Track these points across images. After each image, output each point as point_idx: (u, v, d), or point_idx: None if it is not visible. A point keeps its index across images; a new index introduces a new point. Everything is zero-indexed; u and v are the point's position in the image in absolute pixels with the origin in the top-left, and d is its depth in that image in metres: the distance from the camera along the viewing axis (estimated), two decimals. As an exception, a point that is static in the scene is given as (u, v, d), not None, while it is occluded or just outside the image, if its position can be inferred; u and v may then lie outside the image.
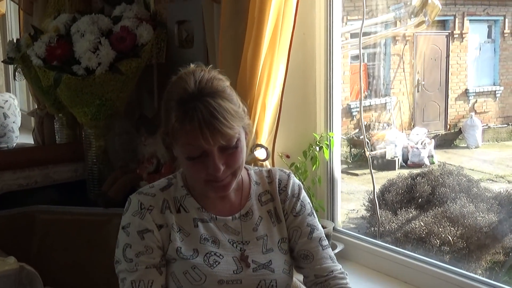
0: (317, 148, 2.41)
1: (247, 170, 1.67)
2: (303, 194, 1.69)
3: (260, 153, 2.12)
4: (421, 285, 2.11)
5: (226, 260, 1.53)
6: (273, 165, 2.20)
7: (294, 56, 2.15)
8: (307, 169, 2.40)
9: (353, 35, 6.91)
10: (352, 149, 9.87)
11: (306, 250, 1.62)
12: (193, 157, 1.45)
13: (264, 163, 2.13)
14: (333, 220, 2.48)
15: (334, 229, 2.43)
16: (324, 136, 2.43)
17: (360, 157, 9.80)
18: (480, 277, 2.01)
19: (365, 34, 7.41)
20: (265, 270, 1.55)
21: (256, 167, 1.77)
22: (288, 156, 2.39)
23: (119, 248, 1.53)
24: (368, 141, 9.67)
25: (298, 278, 1.70)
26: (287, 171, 1.71)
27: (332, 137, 2.43)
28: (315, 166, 2.41)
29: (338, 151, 2.50)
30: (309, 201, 1.71)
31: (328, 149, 2.42)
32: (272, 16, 2.00)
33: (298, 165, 2.37)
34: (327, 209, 2.48)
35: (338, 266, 1.64)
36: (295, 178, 1.70)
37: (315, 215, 1.69)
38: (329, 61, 2.41)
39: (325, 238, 1.67)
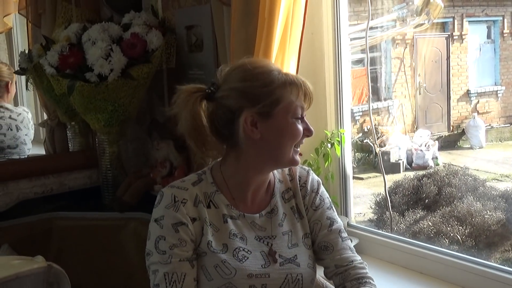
0: (329, 145, 2.46)
1: None
2: (322, 189, 1.75)
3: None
4: (436, 274, 2.14)
5: (254, 255, 1.57)
6: (286, 162, 2.23)
7: (303, 56, 2.18)
8: (319, 166, 2.44)
9: (353, 39, 6.94)
10: (356, 153, 9.89)
11: (326, 242, 1.67)
12: (298, 117, 1.58)
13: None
14: (346, 215, 2.51)
15: (348, 224, 2.47)
16: (335, 133, 2.47)
17: (364, 161, 9.82)
18: (495, 264, 2.03)
19: (362, 37, 7.45)
20: (291, 264, 1.60)
21: None
22: (300, 154, 2.41)
23: (151, 240, 1.54)
24: (373, 144, 9.70)
25: (320, 274, 1.74)
26: (306, 168, 1.78)
27: (343, 133, 2.47)
28: (328, 162, 2.45)
29: (349, 148, 2.54)
30: (328, 195, 1.76)
31: (340, 146, 2.46)
32: (282, 16, 2.03)
33: (311, 162, 2.42)
34: (340, 205, 2.52)
35: (358, 257, 1.69)
36: (314, 174, 1.77)
37: (334, 209, 1.75)
38: (337, 59, 2.45)
39: (344, 230, 1.72)
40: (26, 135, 3.42)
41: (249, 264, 1.55)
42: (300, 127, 1.58)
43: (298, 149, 1.62)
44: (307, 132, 1.61)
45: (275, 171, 1.72)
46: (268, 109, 1.54)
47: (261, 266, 1.56)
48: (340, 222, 1.72)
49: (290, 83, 1.56)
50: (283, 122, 1.56)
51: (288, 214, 1.68)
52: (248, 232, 1.61)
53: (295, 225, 1.67)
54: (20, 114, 3.40)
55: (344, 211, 2.52)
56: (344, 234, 1.71)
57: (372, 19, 8.33)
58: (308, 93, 1.59)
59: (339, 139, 2.46)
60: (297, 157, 1.62)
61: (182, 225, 1.53)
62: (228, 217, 1.60)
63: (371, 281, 1.64)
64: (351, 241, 2.25)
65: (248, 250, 1.57)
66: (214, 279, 1.52)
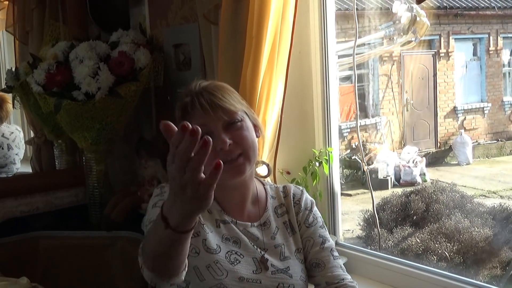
0: (317, 164, 2.45)
1: (263, 184, 1.77)
2: (315, 208, 1.78)
3: (262, 170, 2.15)
4: (425, 293, 2.14)
5: (246, 260, 1.58)
6: (275, 181, 2.23)
7: (290, 74, 2.19)
8: (307, 184, 2.43)
9: (341, 56, 6.99)
10: (344, 170, 9.91)
11: (318, 259, 1.68)
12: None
13: (266, 179, 2.16)
14: (334, 233, 2.51)
15: (337, 243, 2.46)
16: (323, 151, 2.47)
17: (353, 177, 9.84)
18: (484, 284, 2.04)
19: (350, 55, 7.50)
20: (284, 274, 1.61)
21: (272, 184, 1.85)
22: (288, 173, 2.42)
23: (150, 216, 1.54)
24: (360, 161, 9.72)
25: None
26: (301, 188, 1.81)
27: (331, 152, 2.47)
28: (316, 181, 2.45)
29: (337, 166, 2.53)
30: (320, 216, 1.78)
31: (328, 164, 2.46)
32: (270, 35, 2.04)
33: (299, 180, 2.41)
34: (329, 224, 2.51)
35: (348, 276, 1.70)
36: (307, 194, 1.80)
37: (326, 229, 1.77)
38: (325, 77, 2.45)
39: (335, 250, 1.74)
40: (16, 154, 3.41)
41: (240, 267, 1.56)
42: None
43: (231, 165, 1.55)
44: (217, 154, 1.50)
45: (268, 188, 1.76)
46: None
47: (253, 271, 1.57)
48: (331, 241, 1.75)
49: (191, 107, 1.56)
50: None
51: (281, 228, 1.70)
52: (242, 236, 1.62)
53: (287, 239, 1.69)
54: (13, 133, 3.39)
55: (332, 229, 2.51)
56: (336, 253, 1.72)
57: (359, 37, 8.40)
58: (216, 108, 1.54)
59: (327, 158, 2.46)
60: (229, 177, 1.55)
61: None
62: (221, 222, 1.62)
63: None
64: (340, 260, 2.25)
65: (241, 254, 1.59)
66: (206, 279, 1.52)
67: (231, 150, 1.54)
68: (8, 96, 3.38)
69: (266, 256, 1.61)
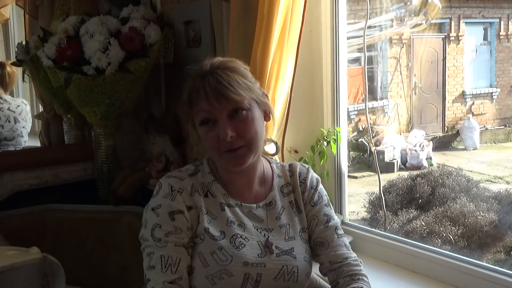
0: (325, 143, 2.46)
1: (269, 163, 1.75)
2: (321, 186, 1.76)
3: (270, 148, 2.16)
4: (429, 273, 2.14)
5: (251, 243, 1.58)
6: (282, 160, 2.24)
7: (301, 53, 2.19)
8: (315, 163, 2.45)
9: (349, 38, 6.93)
10: (350, 152, 9.91)
11: (322, 238, 1.67)
12: (205, 121, 1.53)
13: (274, 157, 2.17)
14: (341, 213, 2.52)
15: (343, 222, 2.48)
16: (331, 131, 2.48)
17: (359, 160, 9.84)
18: (488, 264, 2.04)
19: (358, 36, 7.47)
20: (288, 256, 1.60)
21: (278, 162, 1.82)
22: (296, 151, 2.43)
23: (147, 228, 1.55)
24: (367, 143, 9.72)
25: (315, 271, 1.74)
26: (307, 166, 1.78)
27: (339, 131, 2.48)
28: (323, 160, 2.46)
29: (345, 146, 2.54)
30: (326, 193, 1.76)
31: (336, 144, 2.47)
32: (281, 13, 2.04)
33: (306, 159, 2.42)
34: (335, 203, 2.52)
35: (352, 254, 1.69)
36: (313, 172, 1.77)
37: (331, 207, 1.75)
38: (335, 57, 2.45)
39: (340, 228, 1.73)
40: (23, 127, 3.42)
41: (245, 252, 1.55)
42: (213, 135, 1.53)
43: (234, 154, 1.54)
44: (220, 143, 1.53)
45: (274, 166, 1.74)
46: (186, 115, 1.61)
47: (257, 255, 1.57)
48: (336, 219, 1.73)
49: (196, 91, 1.54)
50: (200, 132, 1.58)
51: (286, 207, 1.69)
52: (246, 220, 1.62)
53: (293, 219, 1.68)
54: (19, 106, 3.40)
55: (338, 209, 2.53)
56: (340, 231, 1.71)
57: (369, 18, 8.33)
58: (221, 97, 1.50)
59: (335, 137, 2.47)
60: (230, 166, 1.57)
61: (179, 213, 1.54)
62: (226, 205, 1.61)
63: (364, 278, 1.64)
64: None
65: (246, 238, 1.58)
66: (210, 265, 1.53)
67: (233, 141, 1.52)
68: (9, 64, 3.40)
69: (270, 239, 1.61)
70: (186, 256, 1.53)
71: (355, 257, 1.69)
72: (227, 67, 1.56)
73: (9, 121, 3.33)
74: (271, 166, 1.74)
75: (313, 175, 1.76)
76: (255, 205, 1.65)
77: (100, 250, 2.80)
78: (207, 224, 1.56)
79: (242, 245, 1.56)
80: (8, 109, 3.33)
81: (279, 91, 2.13)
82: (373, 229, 2.45)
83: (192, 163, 1.69)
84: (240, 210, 1.62)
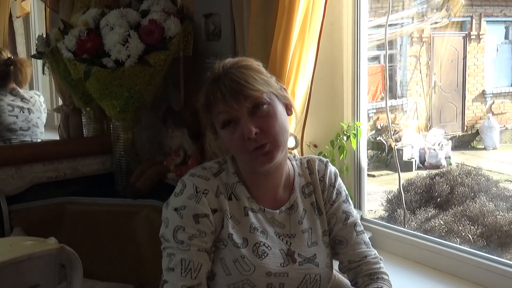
0: (345, 138, 2.44)
1: (290, 160, 1.68)
2: (339, 181, 1.71)
3: (289, 142, 2.14)
4: (450, 270, 2.13)
5: (273, 252, 1.54)
6: (302, 154, 2.22)
7: (322, 46, 2.17)
8: (334, 158, 2.43)
9: (368, 35, 6.87)
10: (368, 151, 9.85)
11: (340, 236, 1.64)
12: (226, 123, 1.50)
13: (293, 151, 2.16)
14: (360, 208, 2.50)
15: (362, 218, 2.46)
16: (351, 125, 2.45)
17: (377, 159, 9.79)
18: (509, 261, 2.01)
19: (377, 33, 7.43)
20: (311, 264, 1.57)
21: (297, 157, 1.76)
22: (315, 146, 2.41)
23: (169, 229, 1.50)
24: (385, 142, 9.67)
25: (335, 268, 1.72)
26: (325, 160, 1.72)
27: (359, 126, 2.45)
28: (343, 155, 2.44)
29: (364, 141, 2.52)
30: (345, 188, 1.72)
31: (356, 139, 2.45)
32: (302, 5, 2.02)
33: (326, 154, 2.40)
34: (354, 199, 2.50)
35: (372, 252, 1.66)
36: (331, 166, 1.72)
37: (350, 202, 1.71)
38: (356, 51, 2.43)
39: (360, 224, 1.69)
40: (38, 118, 3.43)
41: (268, 261, 1.52)
42: (238, 136, 1.48)
43: (262, 151, 1.49)
44: (245, 143, 1.48)
45: (294, 164, 1.68)
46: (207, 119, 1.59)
47: (280, 264, 1.53)
48: (356, 215, 1.69)
49: (213, 93, 1.50)
50: (223, 136, 1.55)
51: (308, 210, 1.64)
52: (268, 227, 1.57)
53: (315, 222, 1.64)
54: (32, 97, 3.41)
55: (358, 205, 2.51)
56: (359, 228, 1.68)
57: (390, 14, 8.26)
58: (238, 96, 1.47)
59: (355, 132, 2.45)
60: (260, 165, 1.52)
61: (204, 217, 1.49)
62: (249, 209, 1.56)
63: (384, 276, 1.62)
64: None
65: (268, 246, 1.54)
66: (232, 274, 1.49)
67: (258, 139, 1.47)
68: (28, 60, 3.41)
69: (293, 247, 1.57)
70: (207, 262, 1.50)
71: (375, 254, 1.66)
72: (240, 65, 1.52)
73: (23, 112, 3.34)
74: (291, 163, 1.69)
75: (331, 170, 1.70)
76: (278, 211, 1.60)
77: (117, 243, 2.79)
78: (231, 229, 1.52)
79: (265, 254, 1.52)
80: (22, 100, 3.35)
81: (299, 84, 2.11)
82: (393, 225, 2.43)
83: (215, 160, 1.63)
84: (262, 216, 1.58)
